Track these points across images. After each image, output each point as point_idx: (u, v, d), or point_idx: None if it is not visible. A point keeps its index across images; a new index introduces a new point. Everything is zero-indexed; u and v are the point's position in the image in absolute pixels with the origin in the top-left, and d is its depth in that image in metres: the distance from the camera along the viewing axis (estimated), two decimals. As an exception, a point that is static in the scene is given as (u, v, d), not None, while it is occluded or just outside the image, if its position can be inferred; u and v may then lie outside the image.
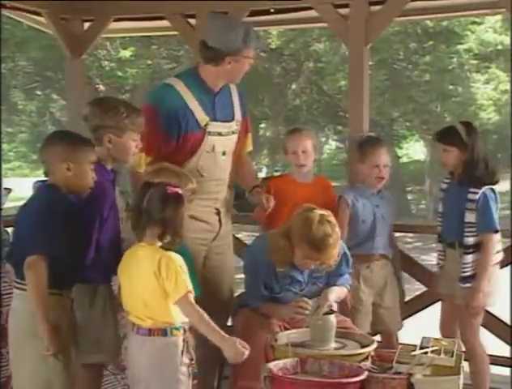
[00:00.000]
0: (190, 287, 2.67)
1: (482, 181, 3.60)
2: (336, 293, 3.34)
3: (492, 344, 4.05)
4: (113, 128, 2.92)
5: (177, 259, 2.68)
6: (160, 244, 2.70)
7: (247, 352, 2.66)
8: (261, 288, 3.32)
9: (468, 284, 3.59)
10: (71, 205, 2.77)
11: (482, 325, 3.88)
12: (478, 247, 3.60)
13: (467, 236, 3.60)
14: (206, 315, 2.67)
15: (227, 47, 3.27)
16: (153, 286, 2.64)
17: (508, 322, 4.02)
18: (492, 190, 3.62)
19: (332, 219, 3.18)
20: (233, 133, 3.47)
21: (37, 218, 2.67)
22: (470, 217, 3.59)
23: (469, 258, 3.59)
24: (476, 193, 3.57)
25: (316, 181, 3.92)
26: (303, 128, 4.04)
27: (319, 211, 3.18)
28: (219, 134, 3.39)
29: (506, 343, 4.04)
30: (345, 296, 3.49)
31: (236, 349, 2.65)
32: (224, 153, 3.42)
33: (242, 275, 3.44)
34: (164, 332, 2.68)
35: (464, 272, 3.59)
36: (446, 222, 3.73)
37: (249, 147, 3.70)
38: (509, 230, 4.19)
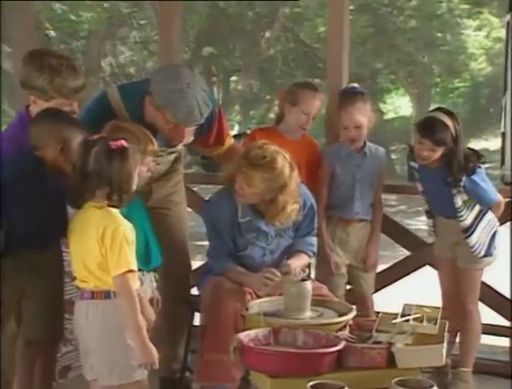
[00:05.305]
0: (133, 265, 2.66)
1: (469, 170, 3.54)
2: (299, 262, 3.38)
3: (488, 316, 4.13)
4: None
5: (125, 230, 2.66)
6: (108, 203, 2.69)
7: (157, 363, 2.67)
8: (224, 247, 3.35)
9: (490, 257, 3.64)
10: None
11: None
12: (478, 220, 3.62)
13: (463, 220, 3.59)
14: (139, 310, 2.65)
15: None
16: (95, 253, 2.66)
17: (505, 294, 4.10)
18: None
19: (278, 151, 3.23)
20: (175, 152, 3.52)
21: None
22: (459, 201, 3.58)
23: (473, 239, 3.60)
24: (461, 180, 3.54)
25: (302, 139, 3.91)
26: (317, 88, 3.87)
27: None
28: (157, 155, 3.32)
29: (505, 317, 4.11)
30: (307, 263, 3.54)
31: (148, 359, 2.65)
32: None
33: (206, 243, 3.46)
34: (107, 294, 2.69)
35: (477, 255, 3.62)
36: (435, 201, 3.71)
37: (229, 142, 3.70)
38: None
